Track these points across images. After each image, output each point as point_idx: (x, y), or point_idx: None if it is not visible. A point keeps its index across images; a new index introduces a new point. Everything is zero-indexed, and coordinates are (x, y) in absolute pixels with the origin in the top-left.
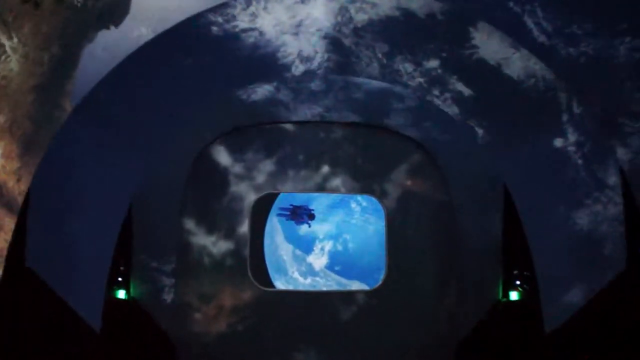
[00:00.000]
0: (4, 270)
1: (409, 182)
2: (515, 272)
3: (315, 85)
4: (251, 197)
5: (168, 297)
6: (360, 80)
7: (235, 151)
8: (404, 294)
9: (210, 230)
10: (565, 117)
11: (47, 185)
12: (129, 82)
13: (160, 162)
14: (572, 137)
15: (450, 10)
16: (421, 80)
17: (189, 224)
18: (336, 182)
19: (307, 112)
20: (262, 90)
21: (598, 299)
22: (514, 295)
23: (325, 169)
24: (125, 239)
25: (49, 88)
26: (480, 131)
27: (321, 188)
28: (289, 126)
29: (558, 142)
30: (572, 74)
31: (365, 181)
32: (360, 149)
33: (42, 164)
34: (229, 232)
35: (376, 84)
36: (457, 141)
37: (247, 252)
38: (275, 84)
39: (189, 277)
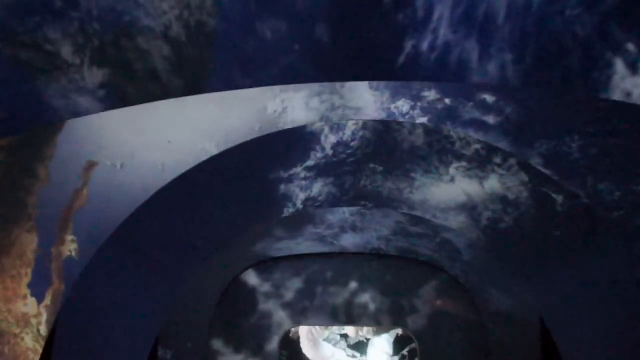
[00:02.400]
0: None
1: (438, 300)
2: None
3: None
4: (279, 314)
5: None
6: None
7: (264, 271)
8: None
9: (238, 349)
10: None
11: (73, 320)
12: (162, 214)
13: (191, 291)
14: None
15: None
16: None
17: (217, 344)
18: (365, 297)
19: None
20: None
21: None
22: None
23: (354, 284)
24: None
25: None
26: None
27: (349, 304)
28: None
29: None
30: None
31: (394, 297)
32: (388, 265)
33: (68, 297)
34: (257, 350)
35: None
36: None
37: None
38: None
39: None
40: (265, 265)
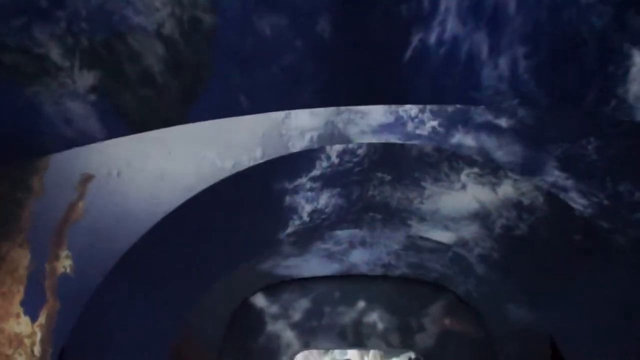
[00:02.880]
0: None
1: (446, 319)
2: None
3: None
4: (287, 335)
5: None
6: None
7: (272, 293)
8: None
9: None
10: None
11: (81, 346)
12: (171, 238)
13: (201, 314)
14: None
15: None
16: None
17: None
18: (373, 316)
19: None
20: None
21: None
22: None
23: (362, 304)
24: None
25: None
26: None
27: (357, 323)
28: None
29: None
30: None
31: (402, 316)
32: (396, 284)
33: (77, 322)
34: None
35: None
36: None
37: None
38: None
39: None
40: (273, 287)
